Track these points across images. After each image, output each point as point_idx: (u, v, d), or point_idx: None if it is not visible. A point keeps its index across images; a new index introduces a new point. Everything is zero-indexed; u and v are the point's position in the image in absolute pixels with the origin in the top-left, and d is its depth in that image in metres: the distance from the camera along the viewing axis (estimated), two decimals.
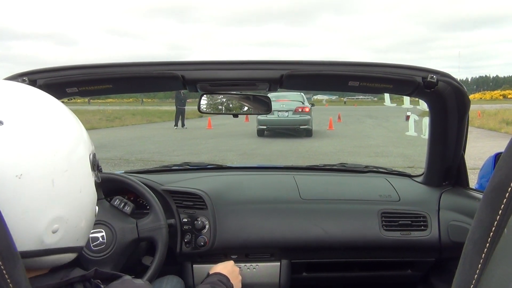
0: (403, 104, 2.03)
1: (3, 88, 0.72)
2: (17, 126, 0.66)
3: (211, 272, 1.37)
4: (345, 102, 71.54)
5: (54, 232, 0.69)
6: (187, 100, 19.06)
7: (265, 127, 13.94)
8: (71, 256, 0.75)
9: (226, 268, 1.39)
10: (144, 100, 63.68)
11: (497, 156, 1.72)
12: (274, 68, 1.44)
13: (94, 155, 0.80)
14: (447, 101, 1.52)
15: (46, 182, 0.67)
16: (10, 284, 0.58)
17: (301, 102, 14.35)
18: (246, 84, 1.51)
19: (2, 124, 0.64)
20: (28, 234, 0.66)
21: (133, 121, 23.56)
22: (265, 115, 12.55)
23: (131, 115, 25.24)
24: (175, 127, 18.09)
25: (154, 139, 13.88)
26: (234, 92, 1.62)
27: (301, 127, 13.85)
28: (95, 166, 0.81)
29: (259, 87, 1.53)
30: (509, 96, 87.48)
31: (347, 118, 23.50)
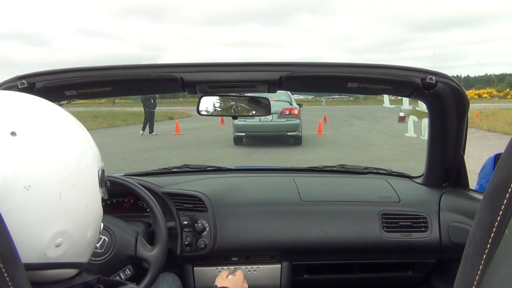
0: (401, 104, 2.03)
1: (14, 99, 0.72)
2: (29, 138, 0.66)
3: (219, 285, 1.36)
4: (322, 102, 69.31)
5: (57, 246, 0.69)
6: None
7: (243, 134, 10.88)
8: (72, 271, 0.75)
9: (236, 286, 1.38)
10: (116, 101, 59.57)
11: (497, 157, 1.74)
12: (273, 69, 1.44)
13: (103, 172, 0.81)
14: (446, 102, 1.53)
15: (53, 195, 0.67)
16: (11, 287, 0.58)
17: (289, 102, 11.50)
18: (245, 86, 1.52)
19: (15, 135, 0.65)
20: (32, 246, 0.66)
21: (91, 125, 20.55)
22: (243, 119, 11.21)
23: (92, 118, 22.30)
24: (142, 132, 15.98)
25: (104, 150, 10.56)
26: (233, 94, 1.64)
27: (288, 133, 10.79)
28: (103, 182, 0.81)
29: (258, 89, 1.54)
30: (484, 96, 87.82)
31: (332, 120, 22.33)
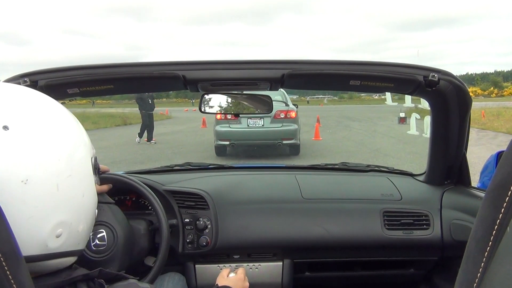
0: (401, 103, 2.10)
1: (6, 92, 0.73)
2: (23, 131, 0.67)
3: (220, 284, 1.39)
4: (308, 102, 67.83)
5: (57, 236, 0.71)
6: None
7: (227, 142, 8.37)
8: (71, 259, 0.78)
9: (237, 284, 1.41)
10: (98, 101, 56.93)
11: (499, 155, 1.77)
12: (275, 67, 1.45)
13: (95, 159, 0.84)
14: (448, 100, 1.54)
15: (51, 187, 0.68)
16: (14, 285, 0.59)
17: (284, 103, 8.99)
18: (247, 83, 1.54)
19: (8, 129, 0.66)
20: (33, 238, 0.68)
21: None
22: (227, 125, 9.26)
23: None
24: (138, 140, 13.28)
25: None
26: (235, 92, 1.66)
27: (284, 142, 8.38)
28: (96, 170, 0.84)
29: (260, 87, 1.56)
30: None
31: (324, 121, 20.48)
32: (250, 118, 9.10)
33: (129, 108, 32.00)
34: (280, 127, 9.28)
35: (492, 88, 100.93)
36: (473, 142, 11.46)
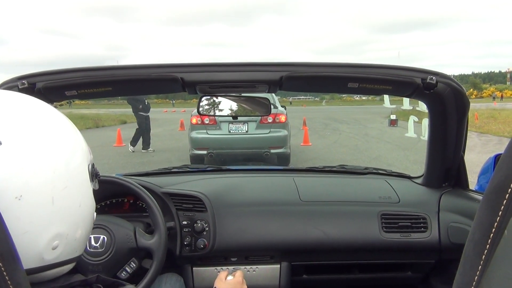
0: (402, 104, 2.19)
1: None
2: (16, 146, 0.64)
3: (218, 287, 1.38)
4: (290, 103, 67.20)
5: (54, 248, 0.69)
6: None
7: (204, 151, 6.92)
8: (69, 267, 0.76)
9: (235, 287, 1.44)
10: (76, 102, 54.52)
11: (497, 157, 1.79)
12: (274, 70, 1.46)
13: (93, 165, 0.80)
14: (446, 102, 1.55)
15: (46, 201, 0.66)
16: (11, 286, 0.59)
17: (272, 105, 7.20)
18: (245, 86, 1.54)
19: (0, 144, 0.63)
20: (28, 253, 0.66)
21: None
22: (204, 131, 7.92)
23: None
24: (132, 148, 11.15)
25: None
26: (234, 94, 1.67)
27: (272, 151, 6.95)
28: (94, 176, 0.80)
29: (259, 89, 1.57)
30: None
31: (310, 123, 19.51)
32: (232, 123, 7.86)
33: (105, 109, 30.11)
34: (268, 133, 7.92)
35: (471, 89, 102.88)
36: (480, 149, 10.49)
